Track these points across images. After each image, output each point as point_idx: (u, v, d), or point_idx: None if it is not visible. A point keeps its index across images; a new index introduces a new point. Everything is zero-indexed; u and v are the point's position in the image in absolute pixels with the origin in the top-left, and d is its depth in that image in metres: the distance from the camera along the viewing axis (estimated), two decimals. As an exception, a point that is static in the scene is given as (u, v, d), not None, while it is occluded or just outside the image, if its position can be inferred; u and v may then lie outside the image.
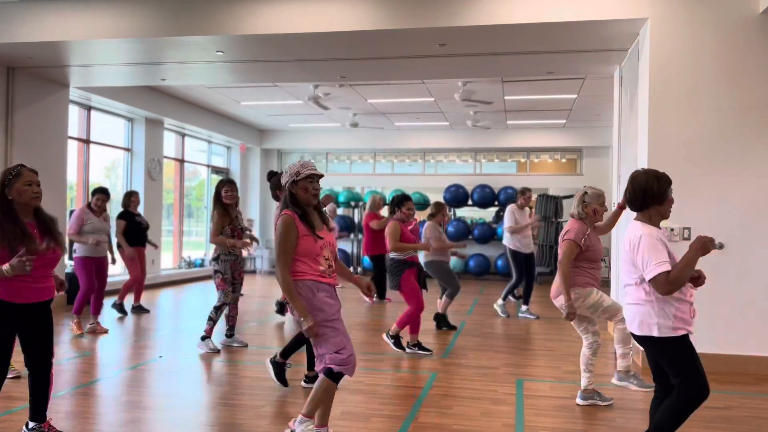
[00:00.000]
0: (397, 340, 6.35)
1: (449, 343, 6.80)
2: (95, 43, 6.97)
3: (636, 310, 3.16)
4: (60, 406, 4.36)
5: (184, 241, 13.94)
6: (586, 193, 4.57)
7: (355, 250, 15.05)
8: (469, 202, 14.55)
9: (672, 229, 5.71)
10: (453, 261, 14.16)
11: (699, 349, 5.60)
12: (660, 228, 3.19)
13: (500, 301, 8.77)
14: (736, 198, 5.64)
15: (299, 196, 3.43)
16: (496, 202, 14.32)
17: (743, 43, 5.65)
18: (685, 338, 3.09)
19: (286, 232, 3.36)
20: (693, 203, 5.70)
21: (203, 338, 6.28)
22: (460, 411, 4.39)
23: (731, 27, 5.67)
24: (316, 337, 3.37)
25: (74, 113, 10.18)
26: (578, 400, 4.60)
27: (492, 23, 6.07)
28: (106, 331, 7.12)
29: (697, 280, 3.17)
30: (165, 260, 12.77)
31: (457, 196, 14.45)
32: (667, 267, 2.96)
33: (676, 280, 2.96)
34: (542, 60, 7.39)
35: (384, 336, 6.48)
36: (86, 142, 10.58)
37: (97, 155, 10.94)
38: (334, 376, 3.37)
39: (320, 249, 3.43)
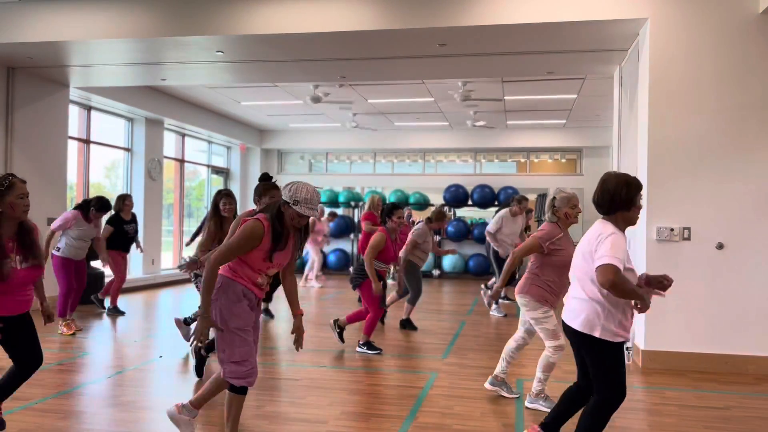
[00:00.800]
0: (340, 333, 6.49)
1: (449, 343, 6.80)
2: (95, 43, 6.97)
3: (584, 306, 3.13)
4: (60, 406, 4.36)
5: (184, 241, 13.93)
6: (554, 197, 4.50)
7: (355, 250, 15.05)
8: (469, 202, 14.55)
9: (672, 229, 5.71)
10: (453, 260, 14.17)
11: (699, 349, 5.65)
12: (624, 235, 3.17)
13: (494, 305, 8.85)
14: (736, 198, 5.64)
15: (285, 218, 3.37)
16: (496, 202, 14.32)
17: (743, 43, 5.65)
18: (620, 345, 3.13)
19: (249, 238, 3.29)
20: (693, 203, 5.70)
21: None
22: (460, 411, 4.39)
23: (731, 27, 5.67)
24: (220, 341, 3.36)
25: (74, 113, 10.18)
26: (486, 384, 4.81)
27: (492, 23, 6.07)
28: (80, 329, 7.16)
29: (663, 286, 3.22)
30: (165, 260, 12.77)
31: (457, 196, 14.45)
32: (621, 265, 2.94)
33: (618, 284, 2.91)
34: (542, 60, 7.39)
35: (332, 323, 6.52)
36: (86, 142, 10.58)
37: (97, 155, 10.95)
38: (237, 390, 3.41)
39: (267, 268, 3.42)
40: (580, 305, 3.15)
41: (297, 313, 3.58)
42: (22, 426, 3.92)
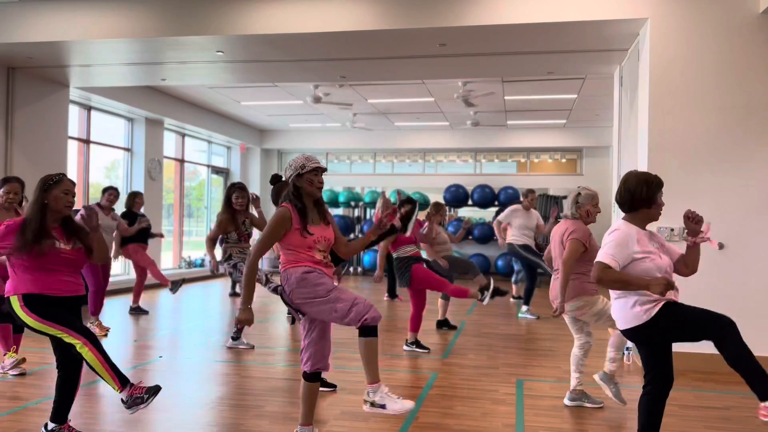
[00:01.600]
0: (419, 344, 6.36)
1: (449, 343, 6.80)
2: (95, 43, 6.97)
3: (615, 307, 3.28)
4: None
5: (184, 241, 13.93)
6: (579, 194, 4.54)
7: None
8: (469, 202, 14.55)
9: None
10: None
11: (699, 349, 5.63)
12: (645, 229, 3.27)
13: (524, 306, 8.74)
14: (736, 198, 5.64)
15: (304, 188, 3.43)
16: (496, 202, 14.32)
17: (743, 43, 5.65)
18: (660, 314, 3.19)
19: (277, 224, 3.36)
20: (693, 203, 5.66)
21: (234, 338, 6.36)
22: (461, 411, 4.39)
23: (731, 27, 5.67)
24: (329, 311, 3.34)
25: (74, 113, 10.18)
26: (566, 401, 4.57)
27: (492, 23, 6.07)
28: (107, 331, 7.13)
29: (696, 230, 3.37)
30: (165, 260, 12.77)
31: (457, 196, 14.45)
32: (614, 263, 3.09)
33: (603, 279, 3.08)
34: (542, 60, 7.39)
35: (405, 347, 6.40)
36: (86, 142, 10.58)
37: (97, 155, 10.95)
38: (368, 332, 3.34)
39: (314, 243, 3.42)
40: (613, 307, 3.32)
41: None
42: (22, 426, 3.92)
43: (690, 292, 5.69)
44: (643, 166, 5.94)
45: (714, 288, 5.65)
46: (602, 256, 3.13)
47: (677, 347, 5.67)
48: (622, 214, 3.36)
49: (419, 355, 6.19)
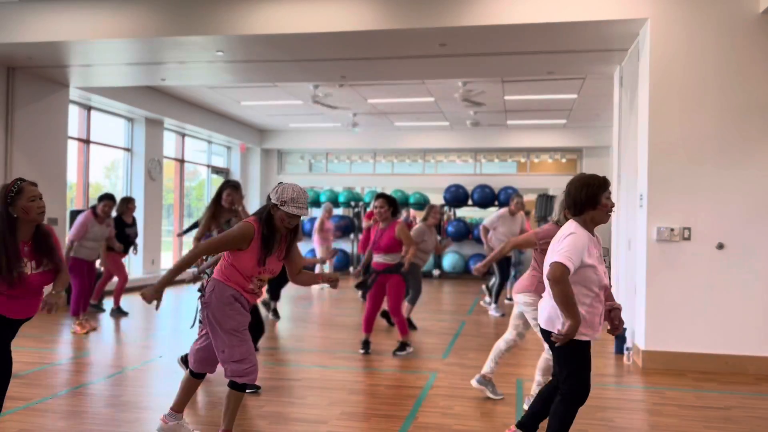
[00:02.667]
0: (403, 346, 6.27)
1: (449, 343, 6.80)
2: (95, 43, 6.97)
3: (547, 303, 3.23)
4: (60, 406, 4.36)
5: (184, 241, 13.93)
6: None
7: (355, 251, 15.05)
8: (469, 202, 14.55)
9: (672, 229, 5.71)
10: (453, 260, 14.17)
11: (699, 349, 5.64)
12: (594, 235, 3.23)
13: (492, 304, 8.86)
14: (736, 198, 5.64)
15: (274, 220, 3.39)
16: (496, 202, 14.32)
17: (743, 43, 5.65)
18: (586, 345, 3.16)
19: (237, 236, 3.34)
20: (693, 203, 5.70)
21: None
22: (460, 411, 4.39)
23: (731, 27, 5.67)
24: (218, 343, 3.40)
25: (74, 113, 10.18)
26: (473, 382, 4.73)
27: (492, 23, 6.07)
28: (94, 329, 7.18)
29: (615, 328, 3.33)
30: (165, 260, 12.77)
31: (457, 196, 14.45)
32: (571, 266, 3.03)
33: (560, 282, 3.01)
34: (542, 60, 7.39)
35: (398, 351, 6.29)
36: (86, 142, 10.58)
37: (97, 155, 10.95)
38: (239, 387, 3.44)
39: (259, 273, 3.44)
40: (544, 303, 3.27)
41: (320, 277, 3.61)
42: (22, 426, 3.92)
43: (690, 292, 5.71)
44: (643, 166, 5.94)
45: (714, 288, 5.65)
46: (560, 256, 3.05)
47: (677, 346, 5.70)
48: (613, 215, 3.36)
49: (418, 355, 6.19)
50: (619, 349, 6.29)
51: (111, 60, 7.77)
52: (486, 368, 4.72)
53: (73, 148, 10.20)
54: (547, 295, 3.23)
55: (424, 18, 6.17)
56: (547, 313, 3.21)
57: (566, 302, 3.02)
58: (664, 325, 5.73)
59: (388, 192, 14.97)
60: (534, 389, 4.44)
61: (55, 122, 8.92)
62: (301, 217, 3.47)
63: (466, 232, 14.35)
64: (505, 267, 9.03)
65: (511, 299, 9.84)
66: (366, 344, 6.25)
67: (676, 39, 5.77)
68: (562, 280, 3.01)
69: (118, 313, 8.38)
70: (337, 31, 6.35)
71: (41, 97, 8.67)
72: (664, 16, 5.78)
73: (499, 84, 10.02)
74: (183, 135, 13.44)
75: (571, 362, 3.17)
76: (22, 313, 3.47)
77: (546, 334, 3.28)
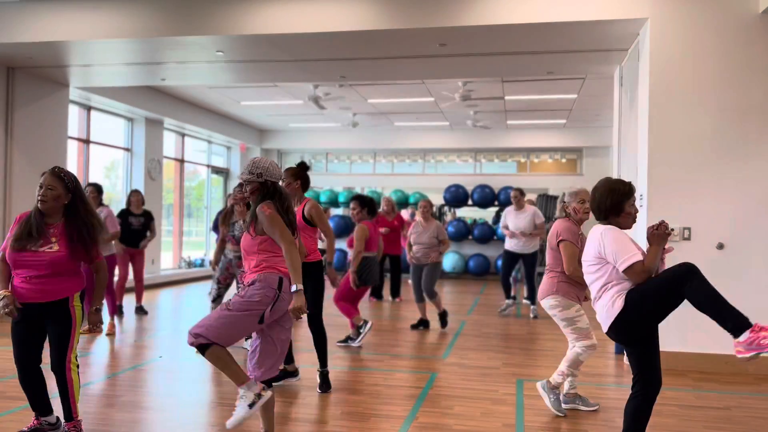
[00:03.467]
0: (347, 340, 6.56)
1: (449, 343, 6.80)
2: (95, 43, 6.97)
3: (602, 308, 3.22)
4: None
5: (184, 241, 13.93)
6: (564, 194, 4.52)
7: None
8: (469, 202, 14.55)
9: (672, 229, 5.70)
10: (453, 260, 14.17)
11: (699, 349, 5.64)
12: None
13: (531, 306, 8.76)
14: (736, 198, 5.64)
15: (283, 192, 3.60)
16: (496, 202, 14.32)
17: (743, 43, 5.65)
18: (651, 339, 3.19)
19: (278, 215, 3.45)
20: (693, 203, 5.70)
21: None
22: (460, 411, 4.39)
23: (731, 27, 5.67)
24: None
25: (74, 113, 10.18)
26: (563, 406, 4.42)
27: (492, 23, 6.07)
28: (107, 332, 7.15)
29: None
30: (165, 260, 12.77)
31: (457, 196, 14.45)
32: (636, 257, 3.05)
33: (649, 270, 3.08)
34: (542, 60, 7.39)
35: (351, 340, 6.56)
36: (86, 142, 10.58)
37: (97, 155, 10.95)
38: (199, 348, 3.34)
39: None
40: (601, 306, 3.24)
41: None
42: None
43: (690, 292, 5.69)
44: (643, 166, 5.94)
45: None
46: (623, 264, 3.06)
47: (677, 346, 5.69)
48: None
49: (419, 355, 6.19)
50: (619, 349, 6.29)
51: (111, 60, 7.77)
52: (567, 386, 4.47)
53: (73, 148, 10.20)
54: (594, 302, 3.26)
55: (424, 18, 6.17)
56: (601, 317, 3.21)
57: (653, 264, 3.08)
58: (664, 325, 5.70)
59: (388, 193, 15.00)
60: (555, 377, 4.34)
61: (55, 122, 8.92)
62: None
63: (466, 232, 14.35)
64: (509, 266, 8.87)
65: (529, 300, 9.75)
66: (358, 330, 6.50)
67: (676, 39, 5.77)
68: (644, 274, 3.06)
69: (120, 313, 8.39)
70: (337, 31, 6.34)
71: (41, 97, 8.67)
72: (664, 16, 5.78)
73: (499, 84, 10.02)
74: (183, 135, 13.44)
75: (641, 361, 3.17)
76: (30, 296, 3.48)
77: (610, 335, 3.23)
